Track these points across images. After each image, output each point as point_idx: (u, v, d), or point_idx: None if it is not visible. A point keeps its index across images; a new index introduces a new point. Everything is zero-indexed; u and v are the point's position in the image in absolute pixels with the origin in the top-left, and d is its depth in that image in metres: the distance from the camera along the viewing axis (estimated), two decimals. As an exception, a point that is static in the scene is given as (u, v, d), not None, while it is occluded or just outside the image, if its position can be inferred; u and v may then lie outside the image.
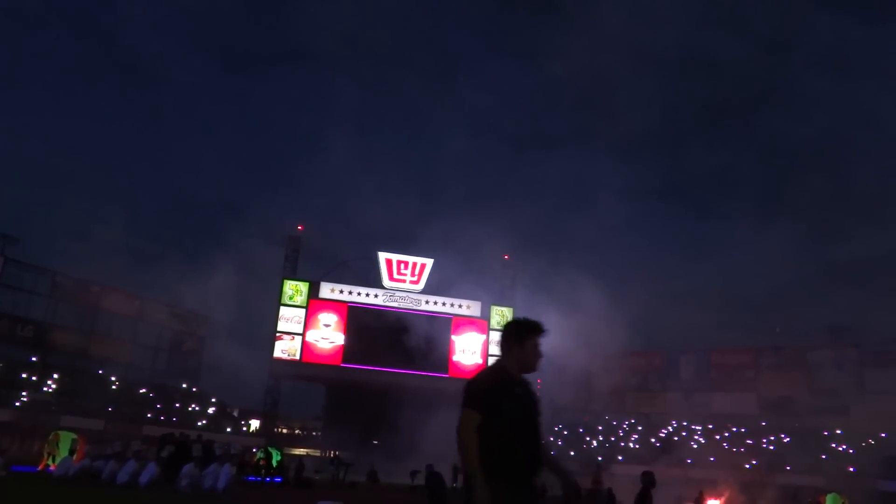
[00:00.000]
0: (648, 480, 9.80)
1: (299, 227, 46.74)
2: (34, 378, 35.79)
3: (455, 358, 45.20)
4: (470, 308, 46.16)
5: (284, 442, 41.96)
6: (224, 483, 15.95)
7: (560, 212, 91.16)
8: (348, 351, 43.50)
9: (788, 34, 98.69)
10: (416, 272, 45.21)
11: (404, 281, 45.09)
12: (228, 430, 42.76)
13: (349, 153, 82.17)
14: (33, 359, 37.45)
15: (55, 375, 36.74)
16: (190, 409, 42.95)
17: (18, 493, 14.21)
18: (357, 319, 43.94)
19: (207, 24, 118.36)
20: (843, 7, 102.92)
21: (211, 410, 44.32)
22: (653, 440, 45.86)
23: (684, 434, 45.40)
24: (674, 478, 28.15)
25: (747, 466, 38.08)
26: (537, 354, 3.73)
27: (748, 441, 42.75)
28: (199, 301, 42.81)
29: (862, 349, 44.19)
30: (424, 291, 45.22)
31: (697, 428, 45.57)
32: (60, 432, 21.76)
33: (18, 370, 35.72)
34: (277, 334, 42.82)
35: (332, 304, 44.25)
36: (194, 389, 46.49)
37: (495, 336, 45.96)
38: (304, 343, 43.03)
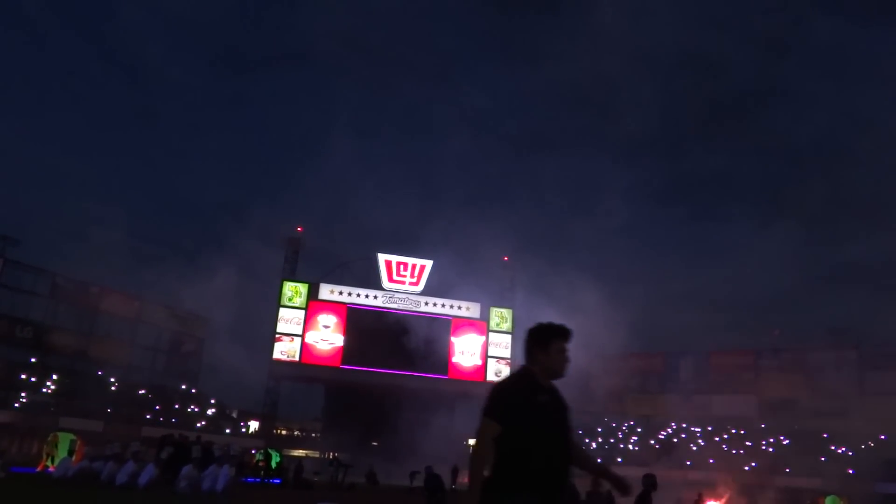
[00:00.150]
0: (650, 483, 9.75)
1: (299, 229, 46.82)
2: (33, 379, 35.76)
3: (454, 359, 45.20)
4: (469, 309, 46.16)
5: (283, 443, 41.92)
6: (223, 484, 15.92)
7: (559, 213, 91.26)
8: (347, 352, 43.48)
9: (788, 35, 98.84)
10: (416, 273, 45.22)
11: (404, 282, 45.09)
12: (227, 431, 42.69)
13: (349, 155, 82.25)
14: (32, 360, 37.42)
15: (54, 377, 36.70)
16: (189, 410, 42.91)
17: (17, 494, 14.20)
18: (356, 321, 43.94)
19: (207, 26, 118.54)
20: (843, 8, 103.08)
21: (210, 412, 44.27)
22: (652, 442, 45.83)
23: (684, 436, 45.39)
24: (673, 480, 28.11)
25: (747, 469, 38.04)
26: (563, 359, 3.59)
27: (748, 443, 42.72)
28: (199, 302, 42.85)
29: (862, 351, 44.23)
30: (424, 293, 45.22)
31: (697, 430, 45.55)
32: (59, 433, 21.72)
33: (18, 371, 35.70)
34: (277, 335, 42.81)
35: (331, 306, 44.24)
36: (193, 391, 46.45)
37: (495, 338, 46.03)
38: (303, 344, 43.02)
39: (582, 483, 10.42)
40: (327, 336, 43.59)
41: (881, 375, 42.06)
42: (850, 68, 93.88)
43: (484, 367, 45.54)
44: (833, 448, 38.67)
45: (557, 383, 3.67)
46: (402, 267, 45.19)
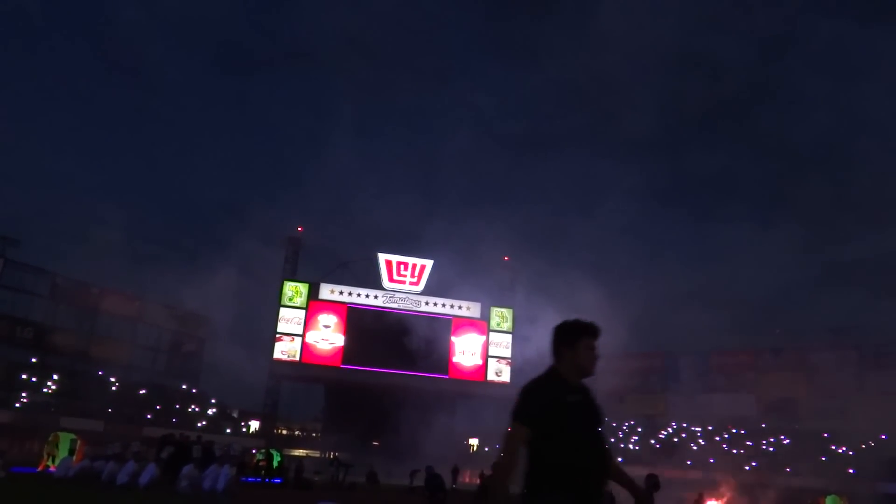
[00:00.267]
0: (653, 483, 9.75)
1: (299, 229, 46.88)
2: (34, 379, 35.80)
3: (455, 359, 45.21)
4: (470, 309, 46.15)
5: (284, 443, 41.93)
6: (223, 484, 15.92)
7: (560, 213, 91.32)
8: (348, 352, 43.50)
9: (788, 35, 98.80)
10: (416, 273, 45.23)
11: (404, 282, 45.10)
12: (228, 431, 42.72)
13: (349, 155, 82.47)
14: (33, 360, 37.46)
15: (55, 377, 36.74)
16: (190, 410, 42.93)
17: (18, 493, 14.21)
18: (357, 321, 43.96)
19: (208, 26, 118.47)
20: (843, 8, 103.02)
21: (211, 411, 44.30)
22: (653, 442, 45.82)
23: (684, 436, 45.37)
24: (673, 479, 28.10)
25: (747, 468, 38.04)
26: (592, 357, 3.47)
27: (748, 443, 42.74)
28: (199, 302, 42.93)
29: (862, 351, 44.19)
30: (424, 293, 45.23)
31: (697, 429, 45.53)
32: (60, 433, 21.73)
33: (18, 372, 35.75)
34: (277, 335, 42.82)
35: (331, 306, 44.25)
36: (194, 390, 46.48)
37: (495, 337, 46.04)
38: (303, 344, 43.03)
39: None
40: (328, 336, 43.60)
41: (881, 375, 42.02)
42: (850, 68, 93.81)
43: (484, 366, 45.55)
44: (833, 448, 38.66)
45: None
46: (402, 267, 45.20)
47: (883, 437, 37.01)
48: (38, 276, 39.22)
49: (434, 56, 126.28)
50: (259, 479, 22.99)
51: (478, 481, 24.14)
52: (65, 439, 21.03)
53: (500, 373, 45.58)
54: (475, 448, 46.59)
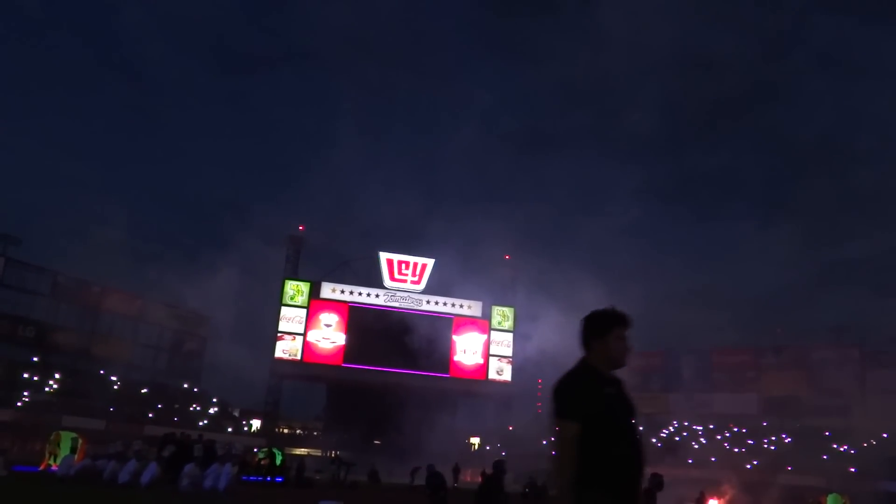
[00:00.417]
0: (656, 483, 9.72)
1: (300, 228, 46.86)
2: (36, 378, 35.85)
3: (456, 358, 45.20)
4: (471, 308, 46.13)
5: (285, 442, 41.90)
6: (225, 483, 15.93)
7: (561, 211, 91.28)
8: (349, 351, 43.50)
9: (789, 34, 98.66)
10: (417, 272, 45.21)
11: (405, 281, 45.08)
12: (230, 429, 42.76)
13: (350, 154, 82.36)
14: (35, 359, 37.51)
15: (56, 375, 36.78)
16: (191, 408, 42.97)
17: (20, 492, 14.23)
18: (358, 319, 43.95)
19: (209, 26, 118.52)
20: (843, 7, 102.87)
21: (212, 410, 44.33)
22: (654, 440, 45.80)
23: (685, 434, 45.35)
24: (675, 478, 28.07)
25: (749, 467, 38.02)
26: (624, 347, 3.33)
27: (750, 441, 42.71)
28: (201, 301, 42.95)
29: (864, 349, 44.15)
30: (425, 291, 45.21)
31: (699, 428, 45.51)
32: (62, 432, 21.71)
33: (20, 370, 35.80)
34: (279, 334, 42.83)
35: (333, 304, 44.24)
36: (195, 389, 46.52)
37: (496, 336, 46.03)
38: (305, 343, 43.04)
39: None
40: (329, 334, 43.60)
41: (883, 373, 42.01)
42: (852, 67, 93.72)
43: (486, 365, 45.54)
44: (835, 446, 38.62)
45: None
46: (403, 265, 45.18)
47: (884, 435, 36.96)
48: (39, 275, 39.25)
49: (435, 55, 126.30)
50: (260, 478, 22.99)
51: (479, 479, 24.12)
52: (66, 438, 21.01)
53: (501, 371, 45.58)
54: (476, 446, 46.59)
